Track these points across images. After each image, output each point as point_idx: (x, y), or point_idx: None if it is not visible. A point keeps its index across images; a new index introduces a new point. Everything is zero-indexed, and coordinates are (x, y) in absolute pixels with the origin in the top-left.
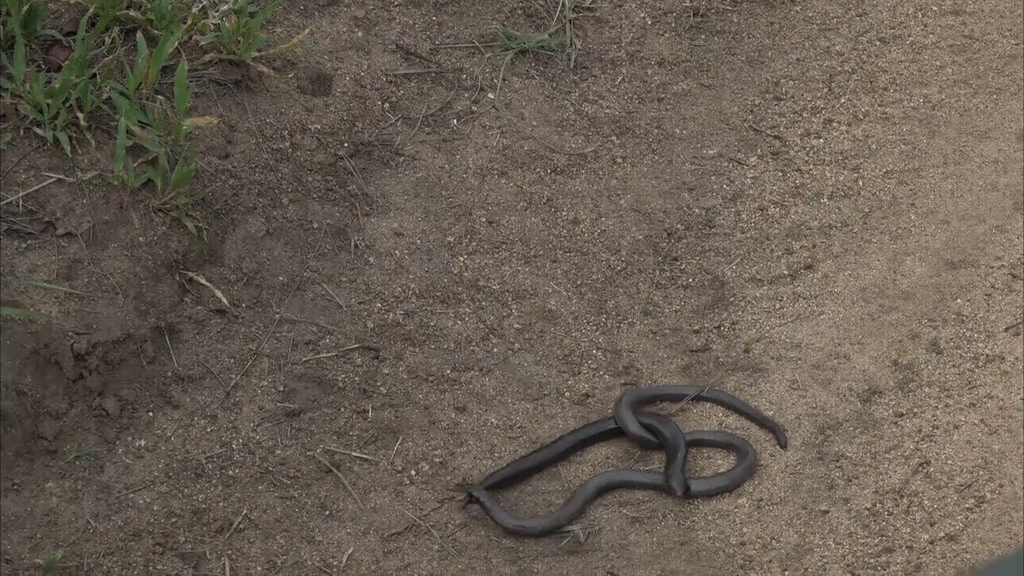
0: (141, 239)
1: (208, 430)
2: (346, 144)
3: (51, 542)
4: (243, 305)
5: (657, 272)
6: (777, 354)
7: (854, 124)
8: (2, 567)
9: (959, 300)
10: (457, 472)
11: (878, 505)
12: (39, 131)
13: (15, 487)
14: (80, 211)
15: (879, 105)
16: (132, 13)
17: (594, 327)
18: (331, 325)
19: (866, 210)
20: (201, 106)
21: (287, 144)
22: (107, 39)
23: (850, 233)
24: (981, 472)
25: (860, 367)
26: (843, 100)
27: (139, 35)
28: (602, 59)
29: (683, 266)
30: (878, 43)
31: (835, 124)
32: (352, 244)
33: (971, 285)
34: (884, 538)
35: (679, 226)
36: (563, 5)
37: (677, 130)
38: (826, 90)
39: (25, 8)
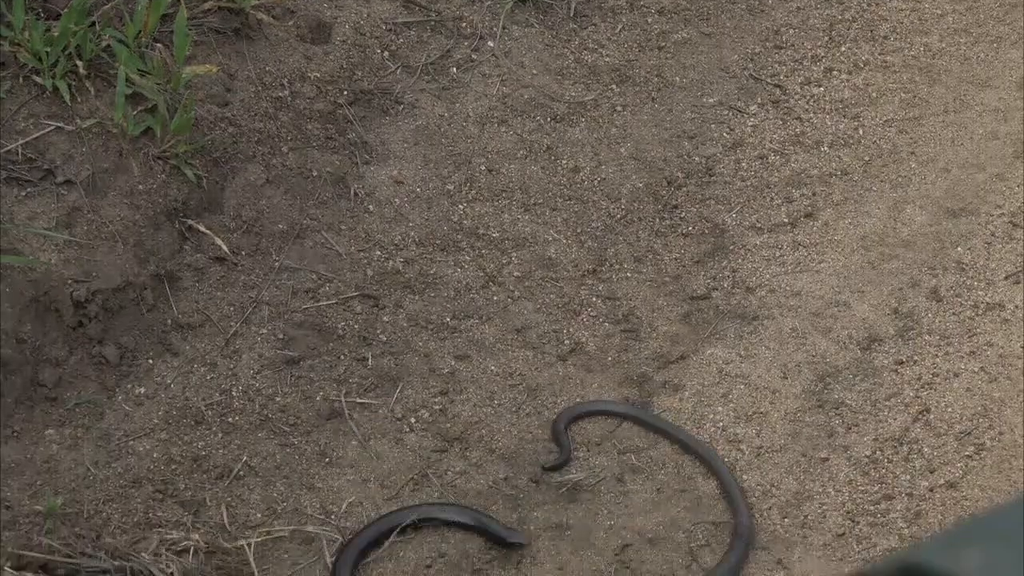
0: (140, 187)
1: (208, 377)
2: (346, 92)
3: (51, 489)
4: (243, 253)
5: (657, 220)
6: (777, 302)
7: (854, 72)
8: (2, 513)
9: (959, 248)
10: (457, 420)
11: (878, 453)
12: (38, 79)
13: (15, 434)
14: (79, 159)
15: (879, 53)
16: None
17: (594, 275)
18: (331, 273)
19: (866, 158)
20: (200, 54)
21: (286, 92)
22: None
23: (850, 181)
24: (981, 420)
25: (860, 315)
26: (843, 48)
27: None
28: (602, 7)
29: (683, 214)
30: None
31: (835, 72)
32: (352, 192)
33: (971, 233)
34: (884, 485)
35: (679, 174)
36: None
37: (677, 78)
38: (826, 38)
39: None
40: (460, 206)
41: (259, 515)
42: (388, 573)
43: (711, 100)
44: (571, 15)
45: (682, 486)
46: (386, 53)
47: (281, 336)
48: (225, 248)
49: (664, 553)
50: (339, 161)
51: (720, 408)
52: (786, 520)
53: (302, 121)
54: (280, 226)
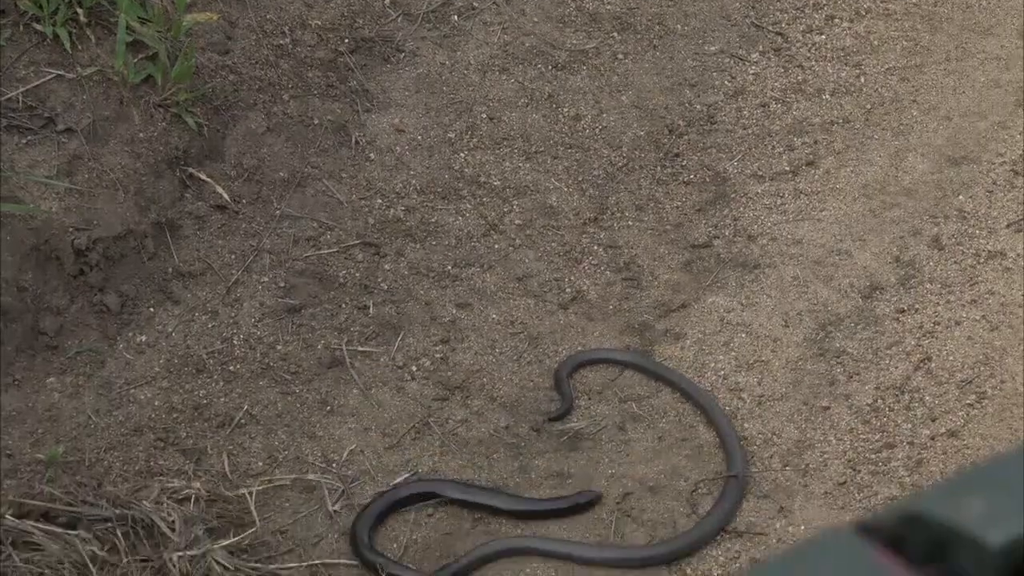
0: (141, 135)
1: (209, 326)
2: (347, 40)
3: (52, 437)
4: (244, 201)
5: (658, 168)
6: (779, 250)
7: (856, 20)
8: (4, 462)
9: (961, 196)
10: (458, 368)
11: (879, 401)
12: (39, 27)
13: (16, 383)
14: (80, 107)
15: (881, 1)
16: None
17: (595, 223)
18: (332, 221)
19: (868, 106)
20: (201, 2)
21: (287, 40)
22: None
23: (852, 129)
24: (982, 368)
25: (861, 263)
26: None
27: None
28: None
29: (684, 162)
30: None
31: (837, 20)
32: (353, 140)
33: (973, 181)
34: (885, 434)
35: (680, 122)
36: None
37: (679, 26)
38: None
39: None
40: (461, 154)
41: (260, 463)
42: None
43: (712, 48)
44: None
45: (683, 435)
46: (387, 1)
47: (282, 284)
48: (226, 196)
49: (665, 501)
50: (340, 109)
51: (721, 356)
52: (787, 468)
53: (303, 69)
54: (281, 174)
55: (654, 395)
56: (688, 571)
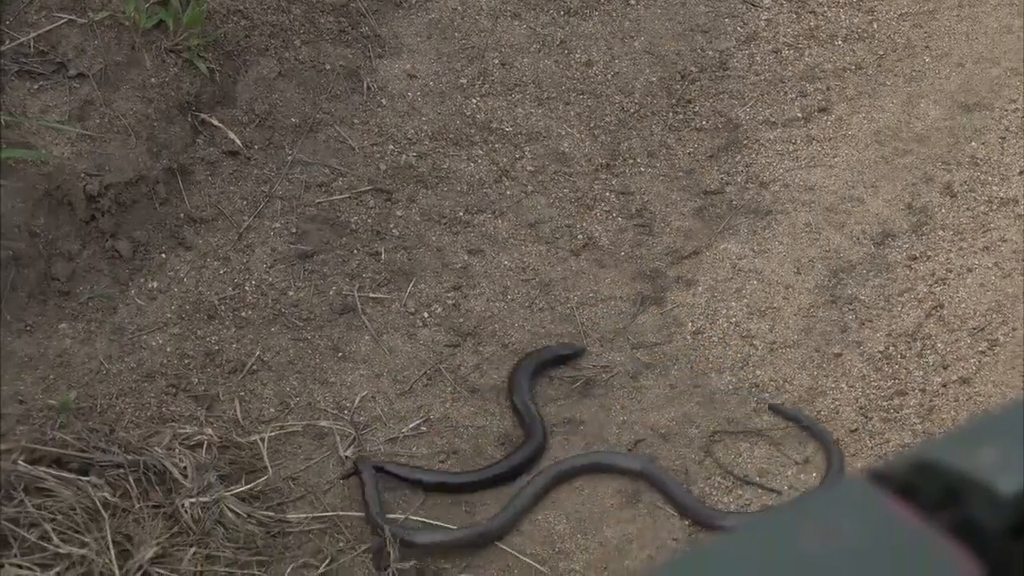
0: (153, 80)
1: (221, 272)
2: None
3: (64, 383)
4: (255, 147)
5: (670, 114)
6: (791, 197)
7: None
8: (16, 408)
9: (973, 143)
10: (470, 314)
11: (891, 348)
12: None
13: (28, 328)
14: (92, 52)
15: None
16: None
17: (607, 169)
18: (343, 167)
19: (880, 53)
20: None
21: None
22: None
23: (864, 75)
24: (994, 315)
25: (874, 210)
26: None
27: None
28: None
29: (696, 108)
30: None
31: None
32: (364, 86)
33: (985, 128)
34: (897, 381)
35: (692, 68)
36: None
37: None
38: None
39: None
40: (473, 100)
41: (272, 410)
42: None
43: None
44: None
45: (695, 381)
46: None
47: (294, 230)
48: (238, 142)
49: (677, 449)
50: (352, 55)
51: (733, 303)
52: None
53: (315, 14)
54: (293, 120)
55: (666, 342)
56: None
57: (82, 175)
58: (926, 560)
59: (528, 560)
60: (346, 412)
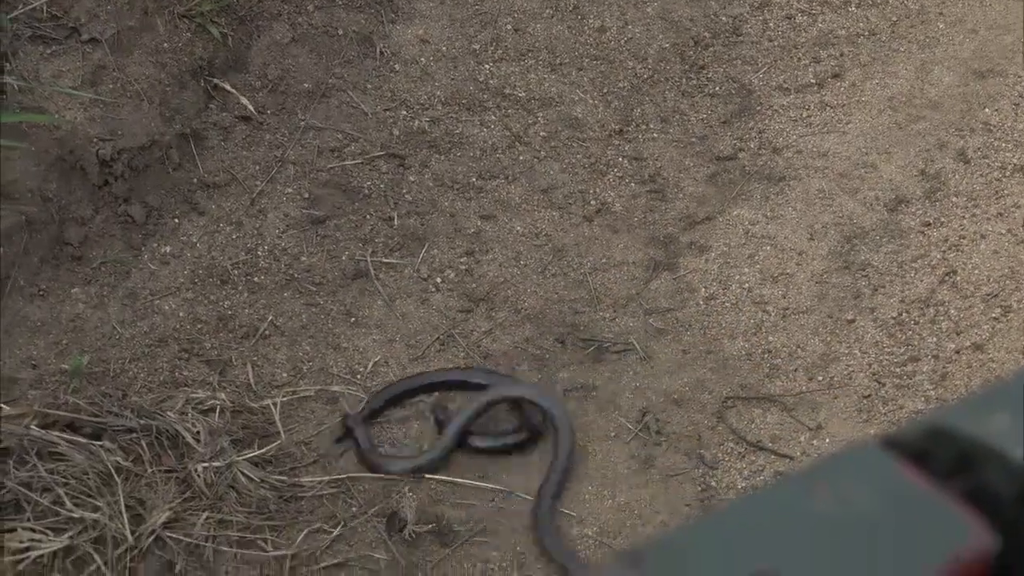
0: (166, 45)
1: (233, 237)
2: None
3: (77, 348)
4: (268, 112)
5: (683, 80)
6: (804, 163)
7: None
8: (29, 372)
9: (987, 109)
10: (483, 280)
11: (904, 314)
12: None
13: (41, 293)
14: (104, 17)
15: None
16: None
17: (620, 135)
18: (356, 132)
19: (894, 19)
20: None
21: None
22: None
23: (878, 42)
24: (1008, 281)
25: (887, 176)
26: None
27: None
28: None
29: (709, 74)
30: None
31: None
32: (377, 51)
33: (999, 94)
34: (910, 347)
35: (706, 34)
36: None
37: None
38: None
39: None
40: (486, 65)
41: (285, 375)
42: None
43: None
44: None
45: (708, 347)
46: None
47: (307, 195)
48: (250, 107)
49: (690, 414)
50: (365, 20)
51: (746, 269)
52: (812, 382)
53: None
54: (305, 85)
55: (678, 308)
56: (712, 483)
57: (95, 140)
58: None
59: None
60: (359, 377)
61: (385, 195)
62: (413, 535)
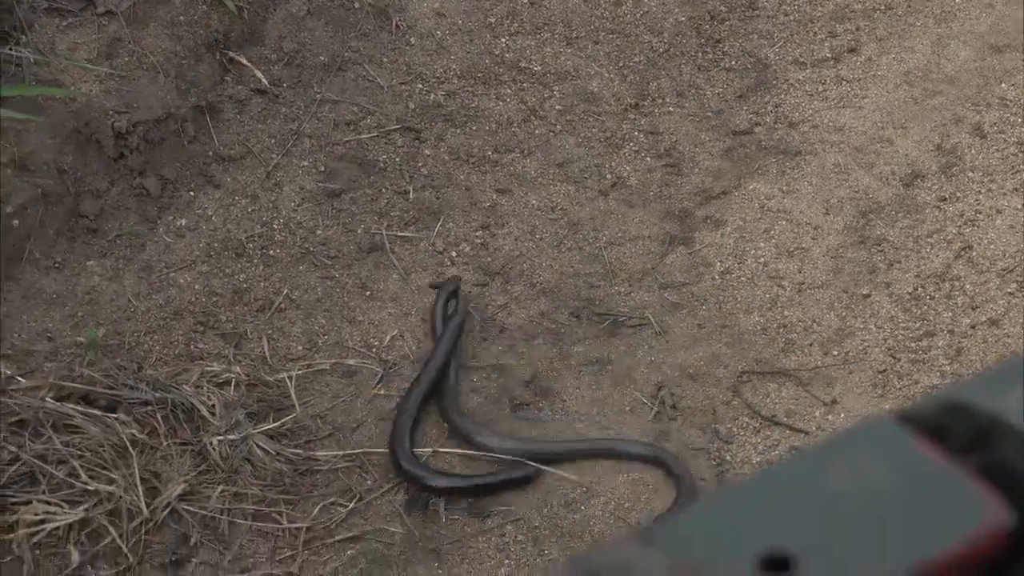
0: (182, 18)
1: (249, 210)
2: None
3: (93, 320)
4: (284, 85)
5: (699, 54)
6: (820, 137)
7: None
8: (44, 344)
9: (1003, 84)
10: (498, 254)
11: (920, 289)
12: None
13: (56, 265)
14: None
15: None
16: None
17: (636, 109)
18: (372, 105)
19: None
20: None
21: None
22: None
23: (894, 16)
24: (1023, 256)
25: (903, 151)
26: None
27: None
28: None
29: (725, 48)
30: None
31: None
32: (393, 24)
33: (1015, 69)
34: (925, 322)
35: (722, 8)
36: None
37: None
38: None
39: None
40: (502, 39)
41: (300, 348)
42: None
43: None
44: None
45: (723, 321)
46: None
47: (322, 169)
48: (264, 81)
49: (705, 389)
50: None
51: (762, 244)
52: (827, 357)
53: None
54: (321, 58)
55: (693, 282)
56: (727, 457)
57: (110, 113)
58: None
59: (567, 486)
60: (374, 351)
61: (401, 169)
62: (432, 510)
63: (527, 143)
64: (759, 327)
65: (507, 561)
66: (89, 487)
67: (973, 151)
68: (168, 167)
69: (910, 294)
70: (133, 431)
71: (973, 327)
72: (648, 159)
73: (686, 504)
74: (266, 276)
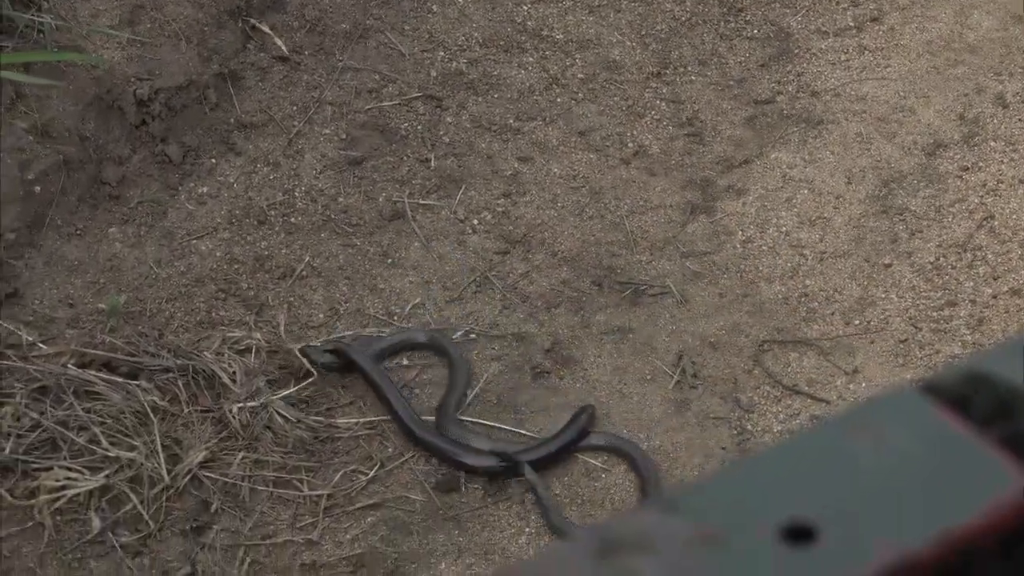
0: None
1: (271, 177)
2: None
3: (114, 287)
4: (305, 52)
5: (722, 23)
6: (842, 107)
7: None
8: (66, 311)
9: None
10: (520, 222)
11: (941, 259)
12: None
13: (78, 232)
14: None
15: None
16: None
17: (658, 78)
18: (394, 73)
19: None
20: None
21: None
22: None
23: None
24: None
25: (925, 120)
26: None
27: None
28: None
29: (748, 17)
30: None
31: None
32: None
33: None
34: (947, 292)
35: None
36: None
37: None
38: None
39: None
40: (524, 7)
41: (321, 315)
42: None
43: None
44: None
45: (744, 291)
46: None
47: (344, 136)
48: (286, 48)
49: (726, 358)
50: None
51: (784, 213)
52: (848, 326)
53: None
54: (343, 26)
55: (716, 251)
56: (748, 426)
57: (132, 80)
58: (978, 472)
59: (587, 453)
60: (396, 319)
61: (422, 137)
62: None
63: (549, 111)
64: (780, 296)
65: (527, 529)
66: (110, 454)
67: (995, 121)
68: (190, 134)
69: (932, 264)
70: (154, 398)
71: (995, 297)
72: (670, 128)
73: (652, 494)
74: (287, 243)
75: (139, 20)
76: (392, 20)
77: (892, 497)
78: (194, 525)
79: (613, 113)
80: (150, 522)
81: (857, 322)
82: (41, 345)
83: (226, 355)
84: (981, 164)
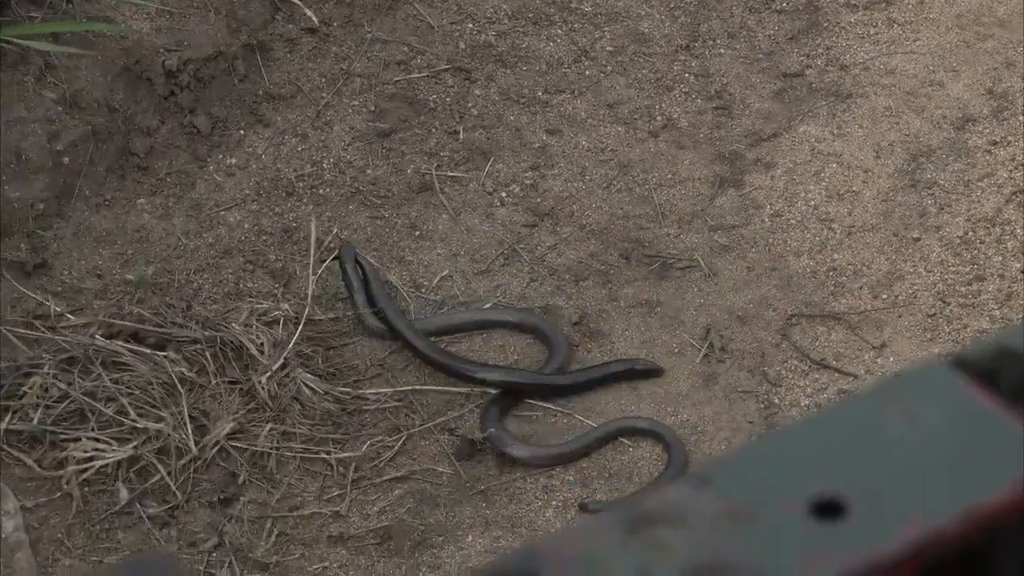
0: None
1: (299, 149)
2: None
3: (142, 258)
4: (334, 24)
5: None
6: (871, 80)
7: None
8: (94, 282)
9: None
10: (548, 195)
11: (970, 233)
12: None
13: (107, 203)
14: None
15: None
16: None
17: (686, 51)
18: (422, 45)
19: None
20: None
21: None
22: None
23: None
24: None
25: (954, 94)
26: None
27: None
28: None
29: None
30: None
31: None
32: None
33: None
34: (976, 266)
35: None
36: None
37: None
38: None
39: None
40: None
41: None
42: (464, 352)
43: None
44: None
45: (773, 264)
46: None
47: (372, 108)
48: (315, 20)
49: (754, 331)
50: None
51: (812, 186)
52: (876, 300)
53: None
54: None
55: (743, 224)
56: (776, 400)
57: (161, 50)
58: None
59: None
60: (423, 291)
61: (451, 109)
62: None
63: (577, 84)
64: (808, 270)
65: (554, 502)
66: (138, 425)
67: None
68: (218, 105)
69: (960, 238)
70: (182, 369)
71: (1023, 272)
72: (698, 101)
73: (675, 473)
74: (316, 215)
75: None
76: None
77: (920, 473)
78: (221, 496)
79: (641, 86)
80: (177, 493)
81: (885, 296)
82: (69, 316)
83: (254, 326)
84: (1010, 138)
